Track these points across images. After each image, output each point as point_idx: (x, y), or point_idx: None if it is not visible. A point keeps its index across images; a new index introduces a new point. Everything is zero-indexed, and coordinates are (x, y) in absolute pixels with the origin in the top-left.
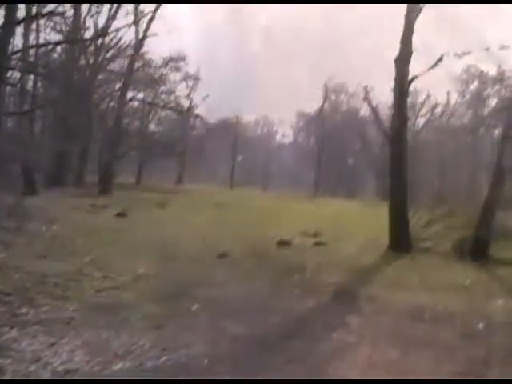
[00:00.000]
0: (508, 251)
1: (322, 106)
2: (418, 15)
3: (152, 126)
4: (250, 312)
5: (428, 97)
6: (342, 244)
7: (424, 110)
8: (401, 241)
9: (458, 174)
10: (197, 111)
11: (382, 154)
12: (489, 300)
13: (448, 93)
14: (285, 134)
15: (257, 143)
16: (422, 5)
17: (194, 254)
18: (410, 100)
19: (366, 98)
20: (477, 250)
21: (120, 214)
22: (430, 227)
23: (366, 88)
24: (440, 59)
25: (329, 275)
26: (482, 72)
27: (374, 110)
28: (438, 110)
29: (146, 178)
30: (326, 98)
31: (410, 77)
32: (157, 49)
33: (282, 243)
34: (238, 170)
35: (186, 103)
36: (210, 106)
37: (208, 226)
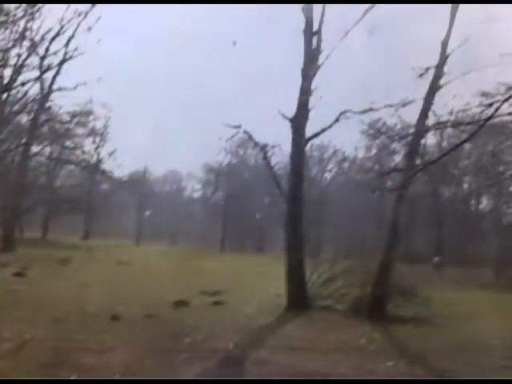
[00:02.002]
0: (404, 309)
1: (229, 160)
2: (315, 74)
3: (59, 182)
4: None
5: (335, 151)
6: (242, 303)
7: (331, 165)
8: (299, 300)
9: (362, 229)
10: (104, 166)
11: None
12: (379, 362)
13: (356, 148)
14: (194, 188)
15: (165, 198)
16: (320, 62)
17: (86, 317)
18: (317, 154)
19: (265, 158)
20: (374, 307)
21: (19, 274)
22: (329, 284)
23: (264, 147)
24: (337, 120)
25: (221, 338)
26: (388, 127)
27: (272, 169)
28: (346, 165)
29: (54, 232)
30: (232, 152)
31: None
32: (65, 102)
33: (180, 304)
34: (147, 225)
35: (93, 158)
36: (118, 161)
37: (107, 285)
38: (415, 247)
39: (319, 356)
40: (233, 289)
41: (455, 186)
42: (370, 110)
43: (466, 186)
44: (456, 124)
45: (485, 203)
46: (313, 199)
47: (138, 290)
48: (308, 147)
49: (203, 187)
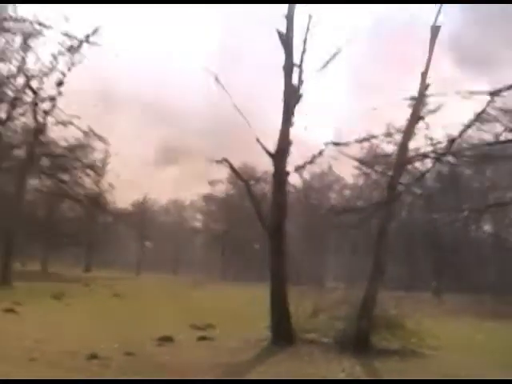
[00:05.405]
0: (388, 342)
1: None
2: (295, 105)
3: (59, 215)
4: None
5: (337, 179)
6: (228, 337)
7: (332, 193)
8: (283, 333)
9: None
10: (104, 199)
11: None
12: None
13: (355, 175)
14: (196, 218)
15: (167, 228)
16: (301, 92)
17: (63, 356)
18: (317, 182)
19: (249, 191)
20: (359, 341)
21: (9, 310)
22: (315, 318)
23: (247, 183)
24: (320, 153)
25: (198, 375)
26: (386, 154)
27: (256, 205)
28: (348, 192)
29: (57, 265)
30: (231, 182)
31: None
32: (62, 135)
33: (164, 339)
34: (149, 255)
35: (92, 192)
36: (119, 192)
37: (95, 320)
38: (416, 274)
39: None
40: (224, 322)
41: (455, 212)
42: (349, 142)
43: (465, 212)
44: (439, 155)
45: (486, 228)
46: (313, 227)
47: (125, 325)
48: (308, 176)
49: (205, 217)
